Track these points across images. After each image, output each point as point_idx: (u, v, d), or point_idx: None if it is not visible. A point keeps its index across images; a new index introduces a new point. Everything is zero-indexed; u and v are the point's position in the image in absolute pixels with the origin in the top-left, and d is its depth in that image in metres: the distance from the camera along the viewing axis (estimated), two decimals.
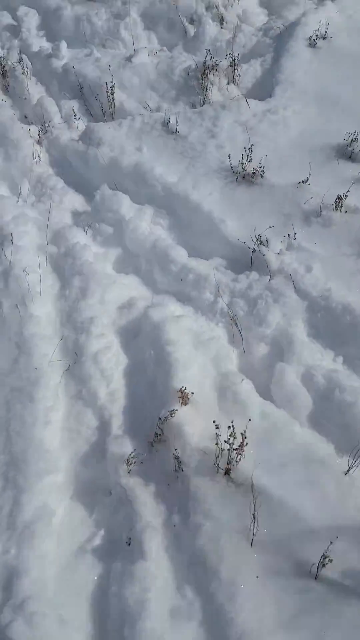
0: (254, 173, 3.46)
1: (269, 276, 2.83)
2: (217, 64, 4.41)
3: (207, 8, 5.62)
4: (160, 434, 2.27)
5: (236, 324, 2.70)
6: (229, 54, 4.50)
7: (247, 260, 3.05)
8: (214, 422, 2.09)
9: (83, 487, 2.40)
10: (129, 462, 2.23)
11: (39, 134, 4.57)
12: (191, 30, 5.56)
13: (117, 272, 3.37)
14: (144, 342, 2.78)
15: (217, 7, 5.53)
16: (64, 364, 2.73)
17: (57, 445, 2.45)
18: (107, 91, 4.57)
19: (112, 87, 4.55)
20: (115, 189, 3.82)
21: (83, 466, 2.41)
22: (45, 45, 6.10)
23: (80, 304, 2.99)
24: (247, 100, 3.99)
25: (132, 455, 2.24)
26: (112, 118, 4.69)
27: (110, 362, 2.69)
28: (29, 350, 2.74)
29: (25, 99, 5.06)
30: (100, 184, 3.98)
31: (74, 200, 3.99)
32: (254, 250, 2.98)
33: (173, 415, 2.22)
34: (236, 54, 4.58)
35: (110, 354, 2.73)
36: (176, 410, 2.23)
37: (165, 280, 3.22)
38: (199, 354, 2.59)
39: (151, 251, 3.34)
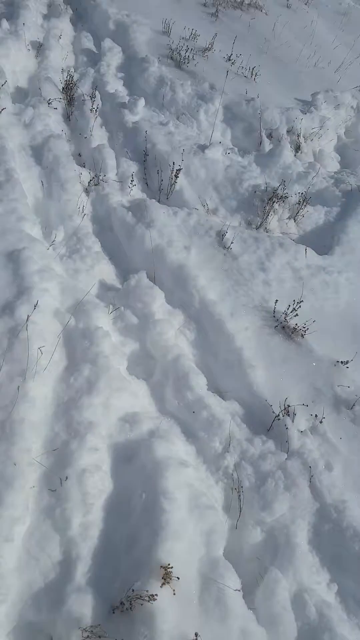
0: (295, 329, 3.64)
1: (286, 454, 2.90)
2: (287, 197, 4.77)
3: (289, 131, 6.16)
4: (127, 607, 2.15)
5: (239, 495, 2.70)
6: (302, 193, 4.88)
7: (266, 420, 3.11)
8: (196, 635, 2.00)
9: (23, 629, 2.19)
10: (85, 634, 2.08)
11: (89, 183, 4.65)
12: (266, 144, 6.03)
13: (129, 371, 3.34)
14: (137, 474, 2.69)
15: (298, 136, 6.08)
16: (45, 468, 2.59)
17: (12, 568, 2.26)
18: (172, 171, 4.78)
19: (179, 170, 4.77)
20: (152, 279, 3.88)
21: (32, 605, 2.21)
22: (120, 89, 6.37)
23: (83, 400, 2.89)
24: (307, 249, 4.29)
25: (92, 627, 2.09)
26: (167, 198, 4.87)
27: (95, 486, 2.57)
28: (13, 438, 2.59)
29: (85, 138, 5.17)
30: (138, 265, 4.04)
31: (106, 271, 3.99)
32: (277, 417, 3.06)
33: (151, 600, 2.11)
34: (305, 190, 4.98)
35: (98, 476, 2.61)
36: (155, 596, 2.12)
37: (175, 403, 3.20)
38: (192, 521, 2.49)
39: (171, 364, 3.35)
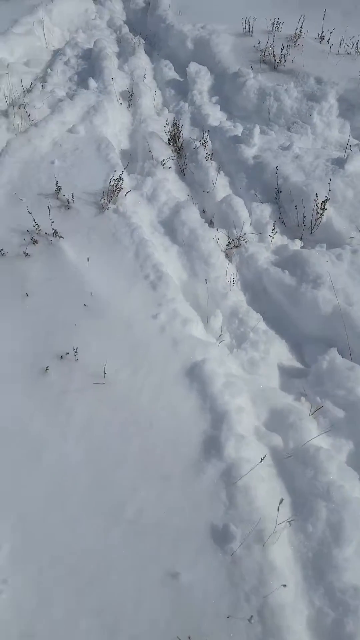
0: None
1: None
2: None
3: None
4: None
5: None
6: None
7: None
8: None
9: None
10: None
11: (227, 246, 4.00)
12: None
13: None
14: None
15: None
16: None
17: None
18: (317, 205, 3.95)
19: (325, 201, 3.93)
20: (345, 351, 3.15)
21: None
22: (219, 115, 5.62)
23: (334, 554, 2.29)
24: None
25: None
26: (311, 233, 4.07)
27: None
28: (280, 634, 2.08)
29: (207, 192, 4.52)
30: (314, 332, 3.35)
31: (281, 351, 3.34)
32: None
33: None
34: None
35: None
36: None
37: None
38: None
39: None
